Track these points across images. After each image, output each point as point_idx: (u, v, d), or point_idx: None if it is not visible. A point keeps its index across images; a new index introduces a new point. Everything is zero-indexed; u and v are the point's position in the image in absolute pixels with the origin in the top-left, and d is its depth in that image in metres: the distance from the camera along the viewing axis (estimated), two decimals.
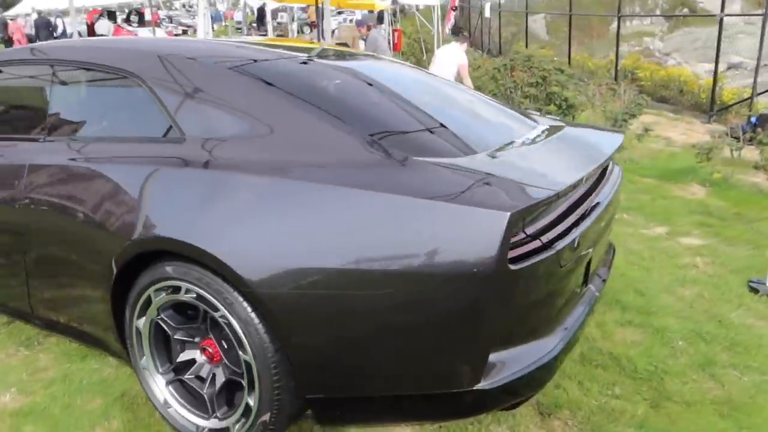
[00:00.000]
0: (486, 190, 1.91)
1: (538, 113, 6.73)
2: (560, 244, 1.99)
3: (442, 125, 2.48)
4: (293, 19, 23.33)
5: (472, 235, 1.77)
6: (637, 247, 4.56)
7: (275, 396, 2.08)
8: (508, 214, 1.73)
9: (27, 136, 2.84)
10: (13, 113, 2.99)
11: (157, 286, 2.26)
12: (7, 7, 26.55)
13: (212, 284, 2.08)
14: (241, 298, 2.03)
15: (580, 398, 2.64)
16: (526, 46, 15.93)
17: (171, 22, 29.16)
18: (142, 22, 23.08)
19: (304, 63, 2.77)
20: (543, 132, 2.81)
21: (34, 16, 19.72)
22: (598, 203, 2.47)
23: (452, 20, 24.60)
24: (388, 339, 1.95)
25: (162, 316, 2.32)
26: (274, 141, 2.20)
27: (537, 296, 2.02)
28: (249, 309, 2.03)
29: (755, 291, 3.80)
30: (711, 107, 9.80)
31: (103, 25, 20.56)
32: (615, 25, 19.18)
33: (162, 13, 34.28)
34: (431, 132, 2.40)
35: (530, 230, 1.96)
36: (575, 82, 9.46)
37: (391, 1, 12.26)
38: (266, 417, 2.12)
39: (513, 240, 1.85)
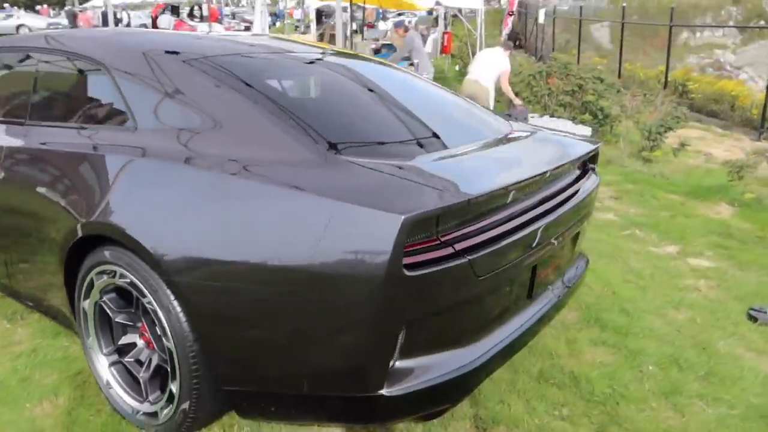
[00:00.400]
0: (392, 194, 1.88)
1: (571, 121, 6.49)
2: (476, 254, 1.93)
3: (393, 127, 2.46)
4: (352, 19, 23.58)
5: (368, 238, 1.75)
6: (639, 266, 4.37)
7: (194, 385, 2.12)
8: (402, 218, 1.70)
9: (14, 120, 2.99)
10: (7, 98, 3.16)
11: (98, 269, 2.34)
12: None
13: (140, 270, 2.14)
14: (164, 286, 2.08)
15: (522, 416, 2.56)
16: (578, 54, 15.49)
17: (234, 18, 29.97)
18: (205, 17, 23.85)
19: (271, 60, 2.80)
20: (507, 138, 2.74)
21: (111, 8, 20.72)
22: (548, 212, 2.38)
23: (509, 25, 24.24)
24: (292, 337, 1.95)
25: (104, 299, 2.40)
26: (217, 135, 2.24)
27: (445, 305, 1.96)
28: (171, 297, 2.07)
29: (754, 319, 3.58)
30: (762, 124, 9.26)
31: (165, 19, 21.42)
32: (684, 35, 18.38)
33: (228, 9, 35.30)
34: (376, 133, 2.38)
35: (447, 237, 1.91)
36: (616, 91, 9.15)
37: (435, 2, 12.20)
38: (186, 405, 2.16)
39: (423, 245, 1.82)
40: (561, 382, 2.83)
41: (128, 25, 19.88)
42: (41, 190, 2.59)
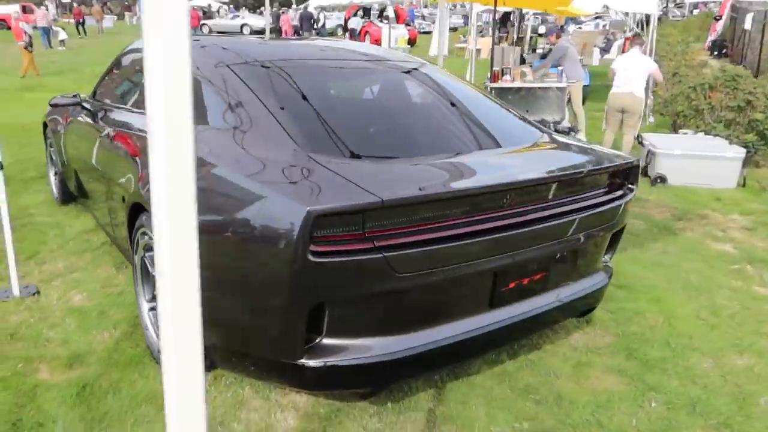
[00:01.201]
0: (319, 189, 2.12)
1: (727, 141, 5.94)
2: (395, 252, 2.09)
3: (385, 133, 2.68)
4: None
5: (284, 224, 2.01)
6: (725, 303, 3.94)
7: None
8: (307, 209, 1.94)
9: (121, 106, 3.75)
10: (126, 89, 3.96)
11: (140, 230, 2.92)
12: (300, 1, 31.19)
13: None
14: None
15: (478, 420, 2.61)
16: None
17: (424, 20, 31.06)
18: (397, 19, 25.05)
19: (305, 67, 3.12)
20: (517, 149, 2.80)
21: (312, 9, 22.94)
22: (523, 224, 2.41)
23: (717, 31, 21.73)
24: (239, 302, 2.29)
25: (145, 255, 2.98)
26: (234, 133, 2.65)
27: (359, 293, 2.13)
28: None
29: None
30: None
31: (355, 21, 23.03)
32: None
33: (426, 11, 36.43)
34: (361, 139, 2.62)
35: (374, 233, 2.09)
36: None
37: (602, 6, 11.52)
38: None
39: (345, 238, 2.04)
40: (542, 399, 2.79)
41: (323, 26, 21.84)
42: (121, 162, 3.26)
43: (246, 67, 2.91)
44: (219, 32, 28.45)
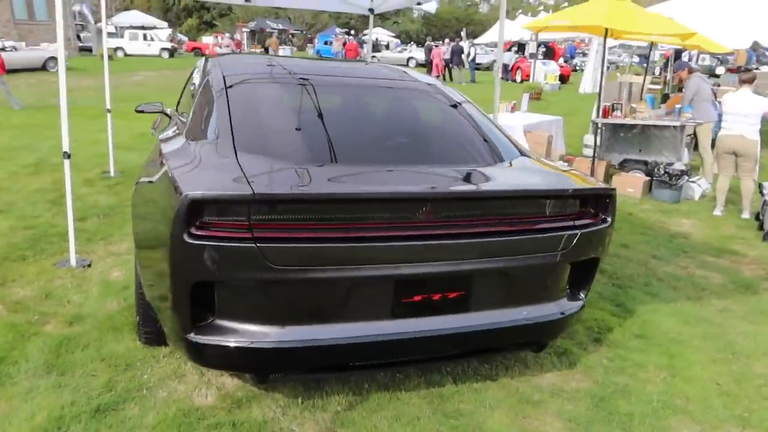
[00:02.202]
0: (210, 179, 2.32)
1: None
2: (269, 244, 2.22)
3: (321, 140, 2.84)
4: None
5: (173, 206, 2.22)
6: (762, 372, 3.40)
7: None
8: (186, 194, 2.16)
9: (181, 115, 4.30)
10: (185, 101, 4.51)
11: None
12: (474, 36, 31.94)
13: None
14: None
15: (377, 431, 2.59)
16: None
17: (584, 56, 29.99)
18: (550, 56, 24.61)
19: (281, 81, 3.30)
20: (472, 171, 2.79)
21: (464, 44, 23.45)
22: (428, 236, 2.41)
23: None
24: (146, 275, 2.59)
25: None
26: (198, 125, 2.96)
27: (233, 278, 2.26)
28: None
29: None
30: None
31: (507, 56, 23.01)
32: None
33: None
34: (290, 141, 2.79)
35: (258, 225, 2.24)
36: None
37: (752, 42, 10.24)
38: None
39: (229, 225, 2.22)
40: (459, 426, 2.68)
41: (473, 59, 22.13)
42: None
43: (238, 83, 3.18)
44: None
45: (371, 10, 7.80)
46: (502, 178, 2.84)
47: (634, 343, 3.62)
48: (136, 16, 37.73)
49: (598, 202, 2.81)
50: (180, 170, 2.43)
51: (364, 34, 46.60)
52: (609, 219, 2.83)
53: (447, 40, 23.22)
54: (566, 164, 8.47)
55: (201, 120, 2.94)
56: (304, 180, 2.41)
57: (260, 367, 2.47)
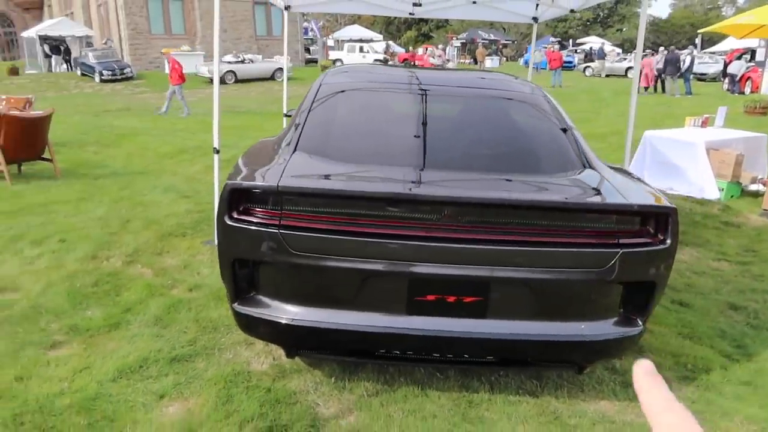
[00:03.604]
0: (254, 172, 2.68)
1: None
2: (290, 232, 2.51)
3: (379, 143, 3.05)
4: None
5: (222, 193, 2.65)
6: None
7: None
8: (227, 183, 2.56)
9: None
10: None
11: None
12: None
13: None
14: None
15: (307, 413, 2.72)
16: None
17: None
18: None
19: (367, 90, 3.55)
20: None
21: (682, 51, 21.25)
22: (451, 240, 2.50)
23: None
24: None
25: None
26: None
27: (260, 258, 2.57)
28: None
29: None
30: None
31: (736, 65, 20.27)
32: None
33: None
34: (345, 145, 3.03)
35: (288, 214, 2.56)
36: None
37: None
38: None
39: (264, 212, 2.59)
40: None
41: (688, 69, 19.88)
42: None
43: (328, 93, 3.51)
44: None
45: (535, 19, 7.67)
46: (539, 188, 2.75)
47: (733, 389, 3.15)
48: (356, 30, 41.18)
49: (650, 222, 2.58)
50: (239, 165, 2.86)
51: (581, 43, 44.72)
52: (667, 240, 2.57)
53: (661, 49, 21.23)
54: (761, 186, 7.41)
55: (291, 124, 3.35)
56: (335, 178, 2.67)
57: (284, 340, 2.77)
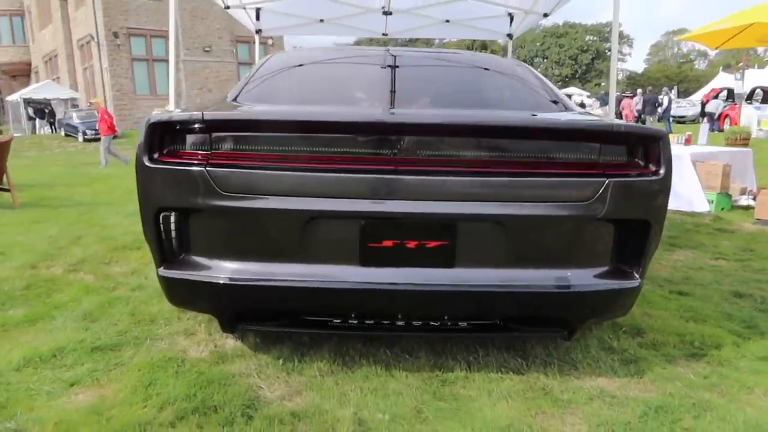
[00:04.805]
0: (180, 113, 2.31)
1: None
2: (220, 170, 2.13)
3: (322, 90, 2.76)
4: None
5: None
6: None
7: None
8: (148, 119, 2.19)
9: None
10: None
11: None
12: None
13: None
14: None
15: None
16: None
17: None
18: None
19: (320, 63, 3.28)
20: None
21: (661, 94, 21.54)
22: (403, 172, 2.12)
23: None
24: None
25: None
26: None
27: (191, 205, 2.18)
28: None
29: None
30: None
31: (713, 104, 20.56)
32: None
33: None
34: (287, 94, 2.72)
35: (218, 153, 2.19)
36: None
37: None
38: None
39: (191, 153, 2.21)
40: None
41: (667, 110, 20.08)
42: None
43: (275, 61, 3.22)
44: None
45: (510, 36, 7.57)
46: (510, 116, 2.41)
47: (749, 363, 2.72)
48: None
49: (639, 149, 2.23)
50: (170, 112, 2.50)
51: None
52: (660, 171, 2.21)
53: (639, 91, 21.55)
54: (751, 199, 7.14)
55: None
56: (271, 108, 2.32)
57: (220, 306, 2.33)
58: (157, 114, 2.22)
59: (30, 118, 29.49)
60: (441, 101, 2.71)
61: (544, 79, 3.14)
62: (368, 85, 2.84)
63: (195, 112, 2.15)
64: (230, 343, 2.76)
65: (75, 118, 25.72)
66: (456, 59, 3.40)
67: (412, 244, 2.18)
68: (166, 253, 2.31)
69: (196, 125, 2.16)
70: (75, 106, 30.05)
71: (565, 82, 57.04)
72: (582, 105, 36.59)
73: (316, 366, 2.51)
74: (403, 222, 2.17)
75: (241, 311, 2.34)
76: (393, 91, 2.73)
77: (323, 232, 2.19)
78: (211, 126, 2.15)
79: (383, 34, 7.54)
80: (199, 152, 2.19)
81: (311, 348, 2.66)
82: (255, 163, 2.15)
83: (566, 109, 2.70)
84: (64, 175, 12.07)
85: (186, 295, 2.35)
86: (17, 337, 2.83)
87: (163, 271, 2.31)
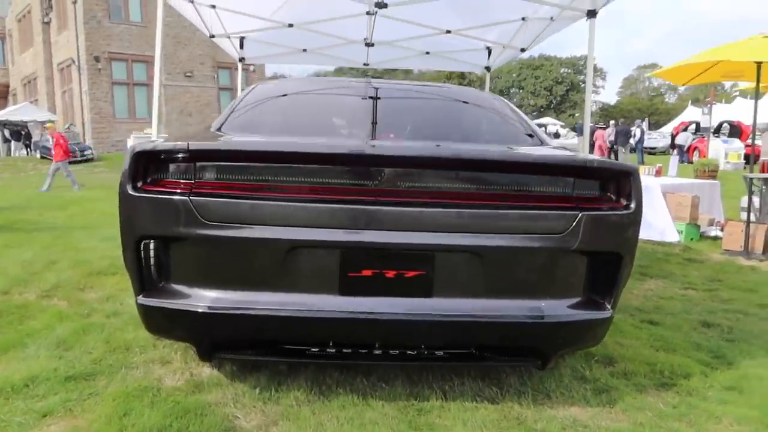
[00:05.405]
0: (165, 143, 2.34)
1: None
2: (203, 198, 2.16)
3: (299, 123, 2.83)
4: None
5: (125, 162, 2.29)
6: None
7: None
8: (133, 148, 2.22)
9: None
10: None
11: None
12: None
13: None
14: None
15: None
16: None
17: None
18: (736, 135, 22.13)
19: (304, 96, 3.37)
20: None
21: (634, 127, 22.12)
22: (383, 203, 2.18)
23: None
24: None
25: None
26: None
27: (170, 231, 2.19)
28: None
29: None
30: None
31: (683, 137, 21.18)
32: None
33: None
34: (269, 127, 2.78)
35: (202, 183, 2.22)
36: None
37: None
38: None
39: (175, 182, 2.23)
40: None
41: (640, 140, 20.63)
42: None
43: (259, 94, 3.27)
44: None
45: (488, 68, 7.77)
46: (487, 150, 2.49)
47: (717, 393, 2.79)
48: None
49: (611, 184, 2.32)
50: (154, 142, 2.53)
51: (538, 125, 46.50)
52: (630, 205, 2.30)
53: (612, 122, 22.09)
54: (719, 231, 7.35)
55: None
56: (255, 138, 2.37)
57: (198, 334, 2.34)
58: (141, 143, 2.24)
59: (5, 140, 29.06)
60: (419, 134, 2.79)
61: (520, 112, 3.25)
62: (349, 117, 2.91)
63: (180, 143, 2.19)
64: (206, 371, 2.75)
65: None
66: (434, 92, 3.50)
67: (391, 274, 2.23)
68: (145, 281, 2.32)
69: (181, 155, 2.19)
70: None
71: (540, 113, 58.21)
72: (557, 135, 37.42)
73: (293, 395, 2.51)
74: (383, 252, 2.21)
75: (219, 340, 2.35)
76: (374, 123, 2.80)
77: (304, 261, 2.23)
78: (195, 156, 2.19)
79: (364, 64, 7.68)
80: (183, 181, 2.22)
81: (288, 377, 2.66)
82: (238, 192, 2.19)
83: (541, 142, 2.79)
84: (38, 197, 11.89)
85: (164, 323, 2.35)
86: None
87: (142, 299, 2.32)
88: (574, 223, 2.23)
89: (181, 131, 24.93)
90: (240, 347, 2.39)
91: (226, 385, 2.62)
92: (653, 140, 25.29)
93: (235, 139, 2.35)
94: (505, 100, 3.48)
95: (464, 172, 2.26)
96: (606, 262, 2.34)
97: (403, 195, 2.20)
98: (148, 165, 2.23)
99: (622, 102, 57.12)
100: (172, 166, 2.23)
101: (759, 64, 6.32)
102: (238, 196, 2.18)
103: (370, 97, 3.14)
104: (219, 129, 2.70)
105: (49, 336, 3.17)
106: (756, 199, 7.15)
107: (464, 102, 3.24)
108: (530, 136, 2.87)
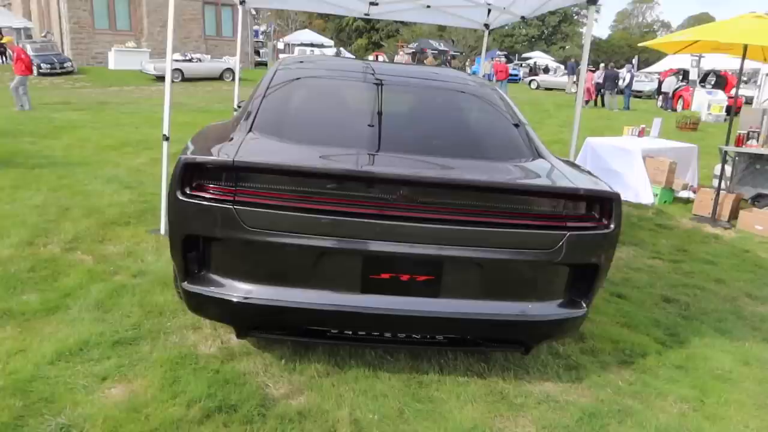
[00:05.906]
0: (209, 150, 2.63)
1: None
2: (245, 207, 2.48)
3: (331, 126, 3.09)
4: None
5: (175, 168, 2.58)
6: None
7: None
8: (180, 158, 2.51)
9: None
10: None
11: None
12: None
13: None
14: None
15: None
16: None
17: None
18: (721, 86, 22.43)
19: (324, 78, 3.63)
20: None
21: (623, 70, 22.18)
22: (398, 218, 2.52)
23: None
24: None
25: None
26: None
27: (214, 233, 2.53)
28: None
29: None
30: None
31: (668, 83, 21.42)
32: None
33: None
34: (296, 128, 3.04)
35: (242, 191, 2.52)
36: None
37: None
38: None
39: (218, 189, 2.53)
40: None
41: (629, 85, 20.86)
42: None
43: (283, 78, 3.51)
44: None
45: (486, 26, 7.87)
46: (491, 171, 2.83)
47: (667, 372, 3.31)
48: (307, 35, 41.12)
49: (595, 206, 2.69)
50: (191, 144, 2.80)
51: (526, 58, 46.08)
52: (611, 225, 2.69)
53: (602, 65, 22.16)
54: (691, 193, 7.84)
55: (243, 110, 3.30)
56: (291, 155, 2.66)
57: (235, 319, 2.73)
58: (188, 156, 2.53)
59: None
60: (429, 149, 3.06)
61: (510, 102, 3.56)
62: (360, 125, 3.15)
63: (225, 158, 2.49)
64: (234, 340, 3.17)
65: (29, 51, 24.56)
66: (442, 89, 3.73)
67: (405, 277, 2.62)
68: (189, 271, 2.67)
69: (225, 167, 2.50)
70: (29, 36, 28.61)
71: (531, 43, 57.36)
72: (546, 69, 37.17)
73: (314, 367, 2.95)
74: (399, 260, 2.59)
75: (253, 324, 2.74)
76: (380, 134, 3.08)
77: (331, 264, 2.59)
78: (238, 169, 2.49)
79: (365, 14, 7.72)
80: (227, 191, 2.53)
81: (308, 349, 3.09)
82: (276, 203, 2.51)
83: (540, 155, 3.10)
84: (25, 119, 11.83)
85: (206, 307, 2.72)
86: (40, 328, 3.16)
87: (187, 286, 2.68)
88: (561, 241, 2.61)
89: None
90: (271, 328, 2.79)
91: (255, 354, 3.04)
92: (641, 83, 25.49)
93: (272, 157, 2.62)
94: (499, 90, 3.76)
95: (471, 194, 2.60)
96: (586, 272, 2.76)
97: (419, 211, 2.55)
98: (194, 173, 2.53)
99: (613, 36, 56.37)
100: (217, 176, 2.53)
101: (745, 46, 6.59)
102: (277, 206, 2.50)
103: (379, 96, 3.41)
104: (250, 129, 2.95)
105: (87, 297, 3.54)
106: (728, 168, 7.62)
107: (469, 105, 3.52)
108: (516, 125, 3.22)
